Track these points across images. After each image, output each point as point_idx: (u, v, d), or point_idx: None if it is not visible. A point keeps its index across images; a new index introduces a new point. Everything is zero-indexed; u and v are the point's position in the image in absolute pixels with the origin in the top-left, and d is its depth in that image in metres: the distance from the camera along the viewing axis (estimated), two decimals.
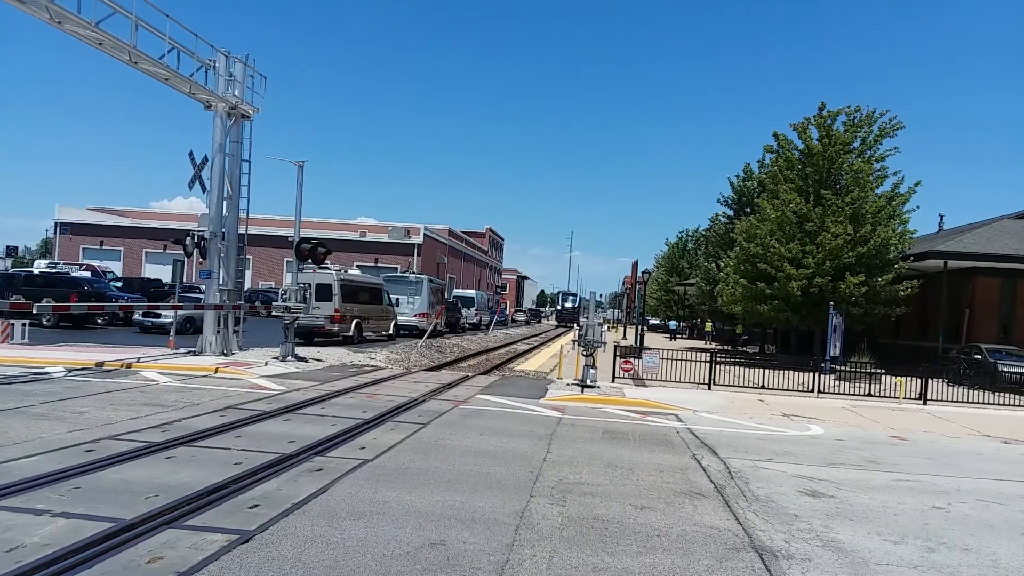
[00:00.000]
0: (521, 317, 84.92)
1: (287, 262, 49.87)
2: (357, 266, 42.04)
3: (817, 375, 18.49)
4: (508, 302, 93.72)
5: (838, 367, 21.79)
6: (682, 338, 61.25)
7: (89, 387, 13.06)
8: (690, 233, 63.38)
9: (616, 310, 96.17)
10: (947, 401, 17.96)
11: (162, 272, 48.70)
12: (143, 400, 11.96)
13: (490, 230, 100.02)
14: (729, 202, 38.07)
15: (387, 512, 6.51)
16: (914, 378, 18.33)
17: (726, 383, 18.68)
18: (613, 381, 18.19)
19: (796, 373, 19.56)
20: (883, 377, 19.33)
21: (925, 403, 17.76)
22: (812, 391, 18.21)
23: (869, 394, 18.40)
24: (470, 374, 20.11)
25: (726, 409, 15.04)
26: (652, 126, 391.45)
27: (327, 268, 26.06)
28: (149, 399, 12.12)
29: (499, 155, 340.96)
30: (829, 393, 18.24)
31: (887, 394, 18.27)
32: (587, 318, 17.82)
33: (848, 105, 27.27)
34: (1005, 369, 20.96)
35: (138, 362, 16.67)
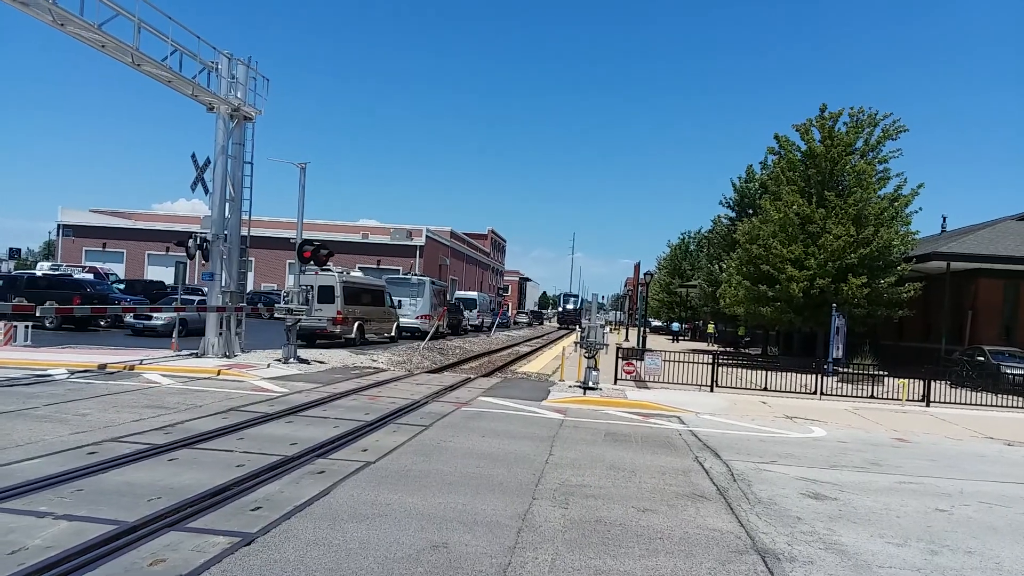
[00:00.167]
0: (523, 319, 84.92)
1: (289, 264, 49.90)
2: (359, 268, 42.08)
3: (819, 377, 18.46)
4: (510, 304, 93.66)
5: (841, 369, 21.75)
6: (684, 340, 61.22)
7: (92, 389, 13.08)
8: (692, 235, 63.33)
9: (618, 312, 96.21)
10: (950, 403, 17.92)
11: (165, 274, 48.70)
12: (146, 402, 11.97)
13: (492, 232, 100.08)
14: (731, 203, 38.02)
15: (389, 514, 6.51)
16: (917, 380, 18.30)
17: (728, 385, 18.66)
18: (615, 383, 18.17)
19: (799, 375, 19.53)
20: (886, 379, 19.30)
21: (928, 405, 17.73)
22: (815, 393, 18.18)
23: (872, 396, 18.37)
24: (472, 376, 20.11)
25: (728, 411, 15.02)
26: (654, 127, 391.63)
27: (329, 270, 26.07)
28: (151, 401, 12.13)
29: (501, 156, 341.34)
30: (832, 395, 18.21)
31: (890, 396, 18.24)
32: (589, 320, 17.82)
33: (851, 107, 27.30)
34: (1008, 371, 20.91)
35: (140, 364, 16.68)
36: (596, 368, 16.96)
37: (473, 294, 55.66)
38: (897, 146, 26.94)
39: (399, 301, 34.04)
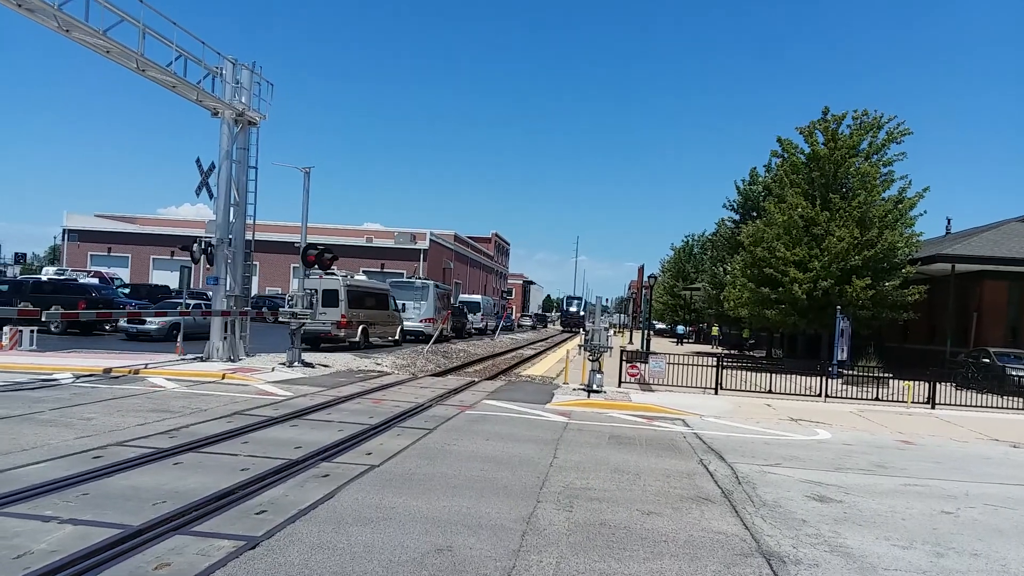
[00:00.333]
0: (527, 322, 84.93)
1: (294, 268, 49.96)
2: (363, 271, 42.24)
3: (824, 379, 18.42)
4: (514, 307, 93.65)
5: (845, 371, 21.70)
6: (689, 343, 61.13)
7: (97, 393, 13.12)
8: (696, 238, 63.32)
9: (622, 315, 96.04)
10: (955, 405, 17.87)
11: (170, 278, 48.75)
12: (150, 406, 12.00)
13: (496, 235, 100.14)
14: (735, 206, 37.95)
15: (394, 518, 6.52)
16: (922, 382, 18.26)
17: (733, 388, 18.63)
18: (619, 386, 18.16)
19: (803, 377, 19.49)
20: (891, 381, 19.24)
21: (933, 407, 17.68)
22: (819, 395, 18.14)
23: (877, 398, 18.32)
24: (476, 379, 20.11)
25: (733, 414, 15.00)
26: (656, 129, 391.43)
27: (333, 274, 26.11)
28: (156, 405, 12.16)
29: (505, 160, 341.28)
30: (836, 397, 18.17)
31: (895, 398, 18.19)
32: (593, 323, 17.81)
33: (855, 109, 27.27)
34: (1013, 373, 20.85)
35: (145, 368, 16.72)
36: (600, 371, 16.95)
37: (477, 297, 55.66)
38: (901, 149, 26.92)
39: (403, 305, 34.08)
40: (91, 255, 59.53)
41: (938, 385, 18.13)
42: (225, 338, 19.40)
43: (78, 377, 15.08)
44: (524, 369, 25.86)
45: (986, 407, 18.01)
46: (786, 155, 28.81)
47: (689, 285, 56.87)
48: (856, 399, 18.26)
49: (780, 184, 28.34)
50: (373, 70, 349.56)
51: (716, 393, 18.10)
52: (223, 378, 16.23)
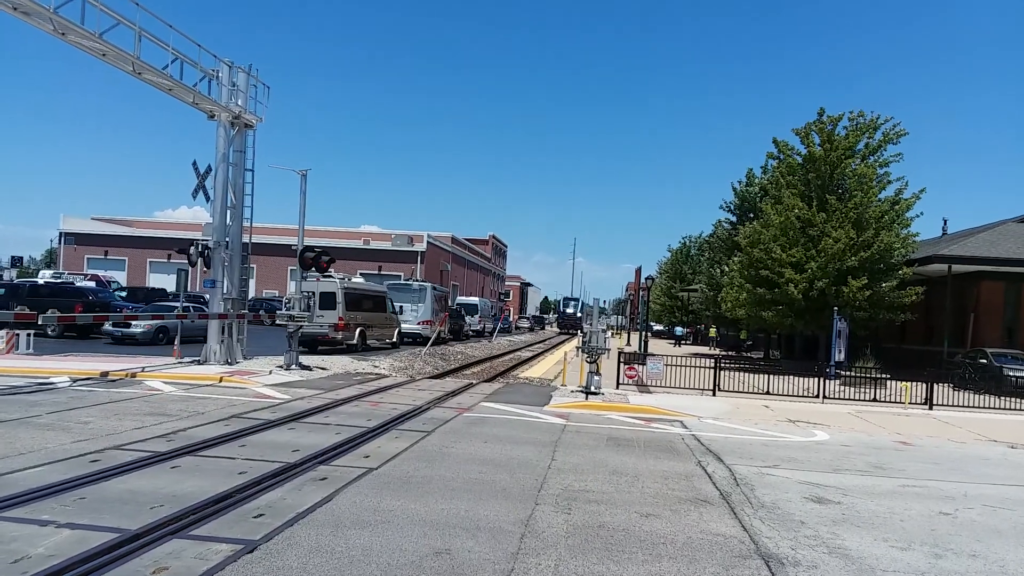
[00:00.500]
0: (525, 324, 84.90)
1: (291, 270, 49.90)
2: (361, 274, 42.20)
3: (822, 380, 18.43)
4: (511, 309, 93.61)
5: (843, 372, 21.72)
6: (686, 344, 61.20)
7: (94, 397, 13.08)
8: (693, 239, 63.39)
9: (620, 316, 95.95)
10: (953, 406, 17.89)
11: (167, 281, 48.77)
12: (148, 410, 11.97)
13: (493, 237, 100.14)
14: (732, 207, 38.01)
15: (392, 521, 6.50)
16: (919, 383, 18.27)
17: (731, 389, 18.64)
18: (617, 388, 18.15)
19: (801, 379, 19.51)
20: (888, 382, 19.26)
21: (931, 408, 17.69)
22: (817, 397, 18.15)
23: (874, 399, 18.34)
24: (474, 381, 20.10)
25: (731, 415, 15.00)
26: (654, 131, 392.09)
27: (331, 276, 26.10)
28: (154, 408, 12.13)
29: (502, 162, 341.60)
30: (834, 398, 18.17)
31: (892, 399, 18.20)
32: (591, 324, 17.81)
33: (851, 111, 27.34)
34: (1010, 373, 20.88)
35: (142, 371, 16.69)
36: (598, 373, 16.94)
37: (475, 299, 55.64)
38: (898, 150, 26.99)
39: (400, 307, 34.07)
40: (88, 258, 59.47)
41: (935, 386, 18.14)
42: (222, 341, 19.38)
43: (75, 381, 15.04)
44: (522, 371, 25.86)
45: (984, 408, 18.03)
46: (782, 156, 28.87)
47: (686, 287, 56.93)
48: (854, 400, 18.27)
49: (776, 185, 28.40)
50: (370, 72, 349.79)
51: (714, 394, 18.10)
52: (220, 381, 16.20)
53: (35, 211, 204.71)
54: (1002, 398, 18.75)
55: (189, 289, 29.06)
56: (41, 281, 33.57)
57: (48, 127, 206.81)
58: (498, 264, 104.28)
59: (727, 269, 32.91)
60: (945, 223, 35.62)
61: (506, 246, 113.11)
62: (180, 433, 10.04)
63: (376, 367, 21.69)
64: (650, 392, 18.19)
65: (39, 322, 15.33)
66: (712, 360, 19.71)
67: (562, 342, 53.78)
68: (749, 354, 42.58)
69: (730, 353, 43.41)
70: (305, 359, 20.51)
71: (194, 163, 19.19)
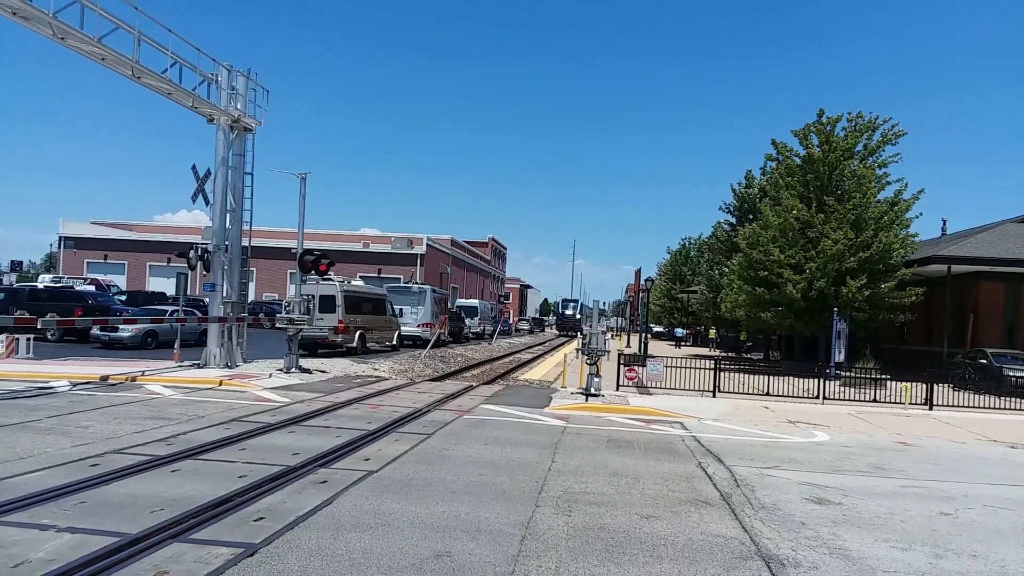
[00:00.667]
0: (525, 326, 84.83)
1: (291, 274, 49.75)
2: (360, 277, 42.11)
3: (822, 381, 18.43)
4: (511, 311, 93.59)
5: (843, 373, 21.71)
6: (686, 345, 61.22)
7: (94, 401, 13.08)
8: (692, 240, 63.44)
9: (619, 318, 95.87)
10: (953, 406, 17.89)
11: (166, 285, 48.73)
12: (148, 413, 11.97)
13: (493, 239, 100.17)
14: (731, 209, 38.05)
15: (392, 524, 6.50)
16: (919, 383, 18.27)
17: (731, 390, 18.63)
18: (617, 389, 18.15)
19: (801, 380, 19.51)
20: (888, 383, 19.26)
21: (931, 408, 17.69)
22: (817, 397, 18.15)
23: (874, 400, 18.34)
24: (474, 384, 20.10)
25: (731, 416, 15.00)
26: (653, 133, 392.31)
27: (330, 279, 26.08)
28: (154, 412, 12.13)
29: (502, 164, 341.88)
30: (834, 399, 18.18)
31: (892, 400, 18.20)
32: (591, 326, 17.81)
33: (849, 112, 27.38)
34: (1010, 373, 20.87)
35: (142, 375, 16.69)
36: (598, 375, 16.94)
37: (474, 302, 55.66)
38: (896, 150, 27.01)
39: (400, 310, 34.06)
40: (87, 262, 59.44)
41: (935, 386, 18.14)
42: (222, 344, 19.37)
43: (75, 385, 15.04)
44: (522, 373, 25.86)
45: (984, 408, 18.03)
46: (781, 158, 28.91)
47: (686, 288, 56.95)
48: (854, 401, 18.27)
49: (775, 186, 28.42)
50: (369, 73, 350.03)
51: (714, 396, 18.10)
52: (220, 384, 16.19)
53: (35, 215, 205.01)
54: (1002, 398, 18.75)
55: (189, 293, 29.06)
56: (41, 285, 33.55)
57: (48, 131, 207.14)
58: (498, 266, 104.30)
59: (726, 270, 32.93)
60: (944, 223, 35.70)
61: (505, 248, 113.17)
62: (180, 437, 10.04)
63: (376, 370, 21.68)
64: (650, 394, 18.18)
65: (38, 326, 15.32)
66: (712, 361, 19.71)
67: (562, 344, 53.77)
68: (749, 355, 42.58)
69: (730, 354, 43.42)
70: (305, 362, 20.50)
71: (193, 167, 19.19)
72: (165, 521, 6.12)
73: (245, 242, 20.30)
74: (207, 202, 19.50)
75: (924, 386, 18.09)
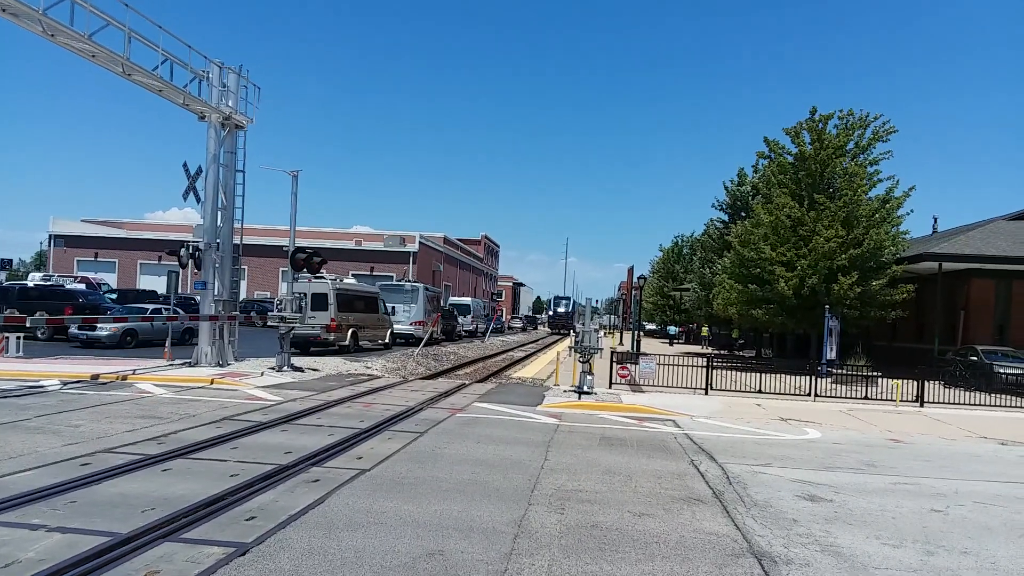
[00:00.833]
0: (517, 324, 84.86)
1: (283, 272, 49.77)
2: (353, 275, 42.08)
3: (814, 379, 18.49)
4: (504, 309, 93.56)
5: (834, 370, 21.81)
6: (679, 343, 61.30)
7: (84, 400, 13.01)
8: (685, 238, 63.56)
9: (612, 316, 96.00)
10: (944, 403, 17.98)
11: (157, 283, 48.53)
12: (138, 412, 11.91)
13: (485, 237, 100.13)
14: (724, 206, 38.14)
15: (385, 522, 6.49)
16: (911, 380, 18.36)
17: (723, 388, 18.68)
18: (610, 387, 18.17)
19: (793, 377, 19.57)
20: (880, 380, 19.35)
21: (922, 405, 17.78)
22: (809, 395, 18.22)
23: (866, 397, 18.41)
24: (467, 382, 20.08)
25: (723, 414, 15.04)
26: (646, 131, 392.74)
27: (323, 277, 26.03)
28: (144, 411, 12.07)
29: (494, 162, 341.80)
30: (826, 396, 18.25)
31: (884, 397, 18.28)
32: (583, 324, 17.81)
33: (840, 109, 27.40)
34: (1001, 370, 20.97)
35: (133, 374, 16.61)
36: (591, 372, 16.96)
37: (467, 300, 55.60)
38: (888, 148, 27.04)
39: (393, 308, 34.01)
40: (78, 260, 59.13)
41: (927, 383, 18.24)
42: (214, 343, 19.30)
43: (65, 384, 14.96)
44: (515, 371, 25.86)
45: (974, 405, 18.13)
46: (773, 155, 28.94)
47: (679, 286, 57.06)
48: (845, 398, 18.34)
49: (768, 184, 28.47)
50: (362, 72, 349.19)
51: (706, 393, 18.14)
52: (212, 383, 16.13)
53: (24, 214, 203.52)
54: (992, 395, 18.84)
55: (180, 291, 28.94)
56: (31, 284, 33.37)
57: (38, 129, 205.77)
58: (491, 264, 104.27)
59: (719, 268, 32.99)
60: (935, 221, 35.91)
61: (498, 246, 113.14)
62: (171, 436, 9.99)
63: (368, 368, 21.64)
64: (643, 391, 18.21)
65: (28, 325, 15.23)
66: (704, 359, 19.75)
67: (554, 342, 53.81)
68: (741, 353, 42.68)
69: (722, 352, 43.48)
70: (297, 360, 20.44)
71: (184, 164, 19.11)
72: (156, 520, 6.09)
73: (237, 240, 20.21)
74: (198, 200, 19.43)
75: (915, 383, 18.18)
